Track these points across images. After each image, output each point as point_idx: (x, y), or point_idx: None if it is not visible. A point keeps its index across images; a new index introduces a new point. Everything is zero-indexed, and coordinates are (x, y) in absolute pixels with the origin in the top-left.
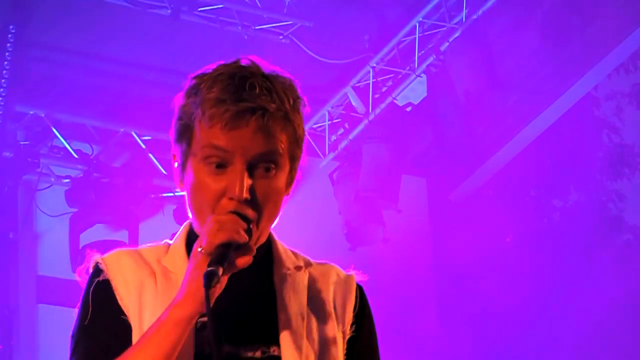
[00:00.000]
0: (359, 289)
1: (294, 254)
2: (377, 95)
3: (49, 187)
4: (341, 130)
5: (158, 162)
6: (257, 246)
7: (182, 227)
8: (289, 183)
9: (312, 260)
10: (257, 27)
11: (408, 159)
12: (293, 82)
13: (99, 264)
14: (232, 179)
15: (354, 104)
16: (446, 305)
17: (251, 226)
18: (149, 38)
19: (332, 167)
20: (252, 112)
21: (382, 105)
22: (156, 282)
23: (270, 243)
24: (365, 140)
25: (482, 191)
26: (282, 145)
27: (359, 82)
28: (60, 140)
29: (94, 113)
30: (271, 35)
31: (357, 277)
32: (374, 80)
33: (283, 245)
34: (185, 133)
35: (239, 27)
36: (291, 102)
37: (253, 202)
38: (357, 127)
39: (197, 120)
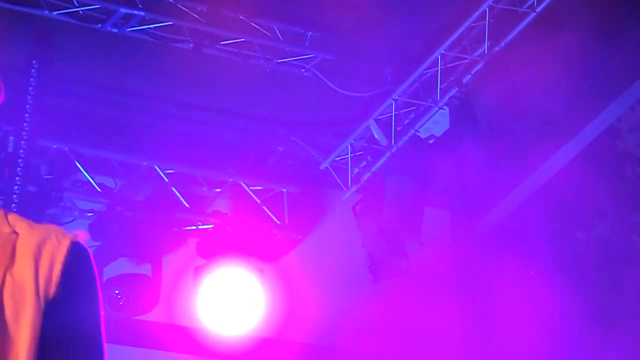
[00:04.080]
0: (76, 246)
1: (14, 216)
2: (399, 128)
3: (72, 220)
4: (364, 163)
5: (181, 195)
6: None
7: None
8: None
9: (34, 225)
10: (279, 60)
11: (431, 192)
12: None
13: None
14: None
15: (376, 136)
16: (470, 337)
17: None
18: (172, 72)
19: (355, 199)
20: None
21: (405, 138)
22: None
23: None
24: (388, 172)
25: (506, 223)
26: None
27: (381, 114)
28: (83, 174)
29: (117, 147)
30: (293, 68)
31: (77, 237)
32: (396, 112)
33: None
34: None
35: (261, 61)
36: None
37: None
38: (380, 159)
39: None
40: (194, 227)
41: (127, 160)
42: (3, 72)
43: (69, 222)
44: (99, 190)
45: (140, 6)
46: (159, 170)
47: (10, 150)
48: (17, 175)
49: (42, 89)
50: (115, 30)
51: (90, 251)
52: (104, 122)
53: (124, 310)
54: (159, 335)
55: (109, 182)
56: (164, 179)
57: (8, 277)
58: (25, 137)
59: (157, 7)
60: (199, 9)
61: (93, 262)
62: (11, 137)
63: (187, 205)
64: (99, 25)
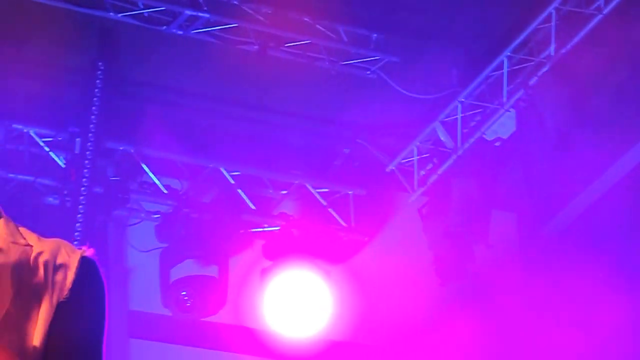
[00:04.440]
0: (85, 259)
1: (24, 229)
2: (465, 130)
3: (139, 222)
4: (430, 165)
5: (247, 197)
6: None
7: None
8: None
9: (42, 239)
10: (344, 63)
11: (497, 194)
12: None
13: None
14: None
15: (442, 138)
16: (539, 340)
17: None
18: (237, 74)
19: (421, 202)
20: None
21: (471, 140)
22: None
23: None
24: (454, 175)
25: (573, 226)
26: None
27: (447, 117)
28: (149, 176)
29: (183, 149)
30: (358, 70)
31: (85, 251)
32: (463, 115)
33: (12, 222)
34: None
35: (326, 63)
36: None
37: None
38: (446, 162)
39: None
40: (260, 229)
41: (193, 162)
42: (69, 74)
43: (136, 223)
44: (165, 192)
45: (205, 8)
46: (225, 172)
47: (76, 152)
48: (84, 177)
49: (107, 91)
50: (180, 32)
51: (98, 266)
52: (170, 123)
53: (191, 311)
54: (225, 336)
55: (175, 183)
56: (230, 181)
57: (24, 285)
58: (92, 139)
59: (222, 9)
60: (263, 10)
61: (102, 276)
62: (78, 139)
63: (253, 207)
64: (164, 27)
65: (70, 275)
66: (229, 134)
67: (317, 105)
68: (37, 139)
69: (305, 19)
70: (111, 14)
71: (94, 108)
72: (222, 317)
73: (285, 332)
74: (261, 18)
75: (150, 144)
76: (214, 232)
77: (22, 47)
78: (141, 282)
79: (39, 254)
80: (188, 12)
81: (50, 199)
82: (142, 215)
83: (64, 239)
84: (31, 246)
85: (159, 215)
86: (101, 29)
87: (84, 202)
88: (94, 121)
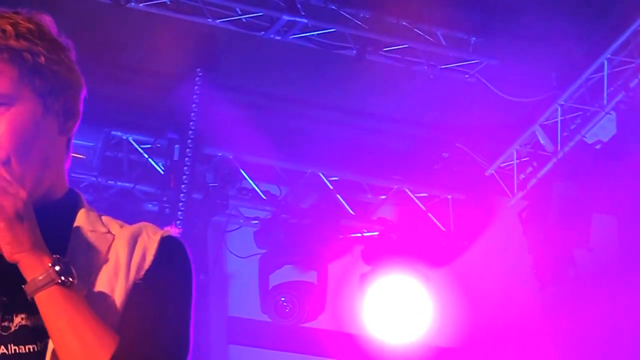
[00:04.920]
0: (165, 240)
1: (106, 218)
2: (565, 133)
3: (238, 228)
4: (530, 169)
5: (346, 202)
6: (29, 191)
7: None
8: (53, 117)
9: (125, 225)
10: (442, 67)
11: (598, 197)
12: (26, 13)
13: None
14: None
15: (542, 142)
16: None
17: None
18: (335, 79)
19: (521, 206)
20: None
21: (571, 143)
22: None
23: (74, 203)
24: (554, 178)
25: None
26: (6, 78)
27: (546, 120)
28: (248, 181)
29: (281, 154)
30: (457, 74)
31: (169, 232)
32: (562, 118)
33: (93, 209)
34: None
35: (425, 67)
36: (9, 29)
37: None
38: (546, 165)
39: None
40: (359, 234)
41: (291, 168)
42: (168, 81)
43: (235, 229)
44: (264, 197)
45: (303, 13)
46: (323, 178)
47: (175, 158)
48: (183, 184)
49: (206, 97)
50: (278, 37)
51: (183, 243)
52: (268, 129)
53: (290, 317)
54: (324, 342)
55: (274, 189)
56: (328, 186)
57: (104, 269)
58: (191, 145)
59: (320, 14)
60: (362, 15)
61: (186, 253)
62: (177, 146)
63: (352, 212)
64: (262, 32)
65: (149, 257)
66: (327, 139)
67: (416, 110)
68: (136, 145)
69: (404, 23)
70: (209, 20)
71: (192, 114)
72: (321, 322)
73: (384, 338)
74: (359, 23)
75: (249, 150)
76: (312, 237)
77: (121, 54)
78: (240, 288)
79: (119, 239)
80: (286, 18)
81: (150, 205)
82: (241, 221)
83: None
84: (112, 234)
85: (257, 221)
86: (200, 35)
87: (183, 209)
88: (193, 127)
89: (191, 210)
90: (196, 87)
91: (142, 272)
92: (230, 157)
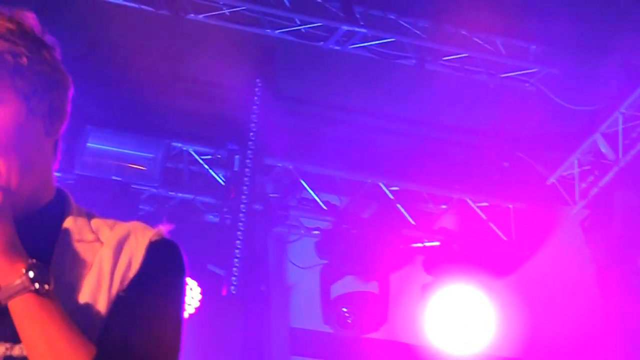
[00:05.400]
0: (154, 245)
1: (97, 219)
2: (627, 142)
3: (299, 239)
4: (591, 178)
5: (406, 212)
6: (14, 194)
7: None
8: (39, 118)
9: (116, 225)
10: (502, 75)
11: None
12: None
13: None
14: None
15: (603, 150)
16: None
17: None
18: (394, 88)
19: (583, 214)
20: None
21: (633, 152)
22: None
23: (62, 208)
24: (616, 187)
25: None
26: None
27: (607, 128)
28: (309, 192)
29: (341, 164)
30: (517, 83)
31: (159, 234)
32: (624, 126)
33: (83, 210)
34: None
35: (484, 76)
36: None
37: None
38: (607, 174)
39: None
40: (420, 244)
41: (352, 178)
42: (227, 92)
43: (295, 240)
44: (325, 208)
45: (362, 23)
46: (384, 188)
47: (236, 169)
48: (243, 194)
49: (266, 108)
50: (337, 47)
51: (175, 244)
52: (328, 139)
53: (352, 328)
54: (386, 353)
55: (335, 199)
56: (389, 196)
57: (87, 279)
58: (251, 156)
59: (378, 23)
60: (420, 25)
61: (176, 256)
62: (237, 156)
63: (412, 222)
64: (321, 43)
65: (135, 265)
66: (387, 149)
67: (475, 119)
68: (196, 156)
69: (463, 32)
70: (268, 31)
71: (252, 125)
72: (383, 333)
73: (446, 349)
74: (418, 32)
75: (309, 160)
76: (373, 247)
77: (181, 66)
78: (302, 298)
79: (105, 248)
80: (345, 28)
81: (210, 216)
82: (302, 231)
83: (225, 256)
84: (99, 242)
85: (318, 232)
86: (259, 46)
87: (243, 219)
88: (253, 138)
89: (252, 221)
90: (256, 98)
91: (126, 282)
92: (291, 167)
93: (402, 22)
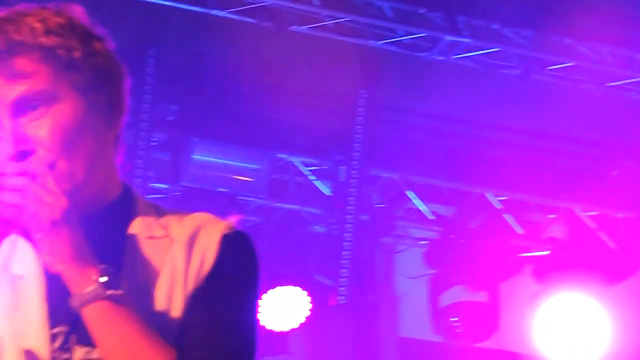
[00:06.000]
0: (226, 239)
1: (165, 214)
2: None
3: (406, 249)
4: None
5: (515, 221)
6: (79, 192)
7: None
8: (98, 112)
9: (185, 219)
10: (609, 84)
11: None
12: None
13: None
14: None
15: None
16: None
17: (44, 177)
18: (498, 98)
19: None
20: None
21: None
22: (1, 298)
23: (130, 205)
24: None
25: None
26: (41, 78)
27: None
28: (415, 202)
29: (448, 175)
30: (623, 91)
31: (230, 227)
32: None
33: (150, 204)
34: None
35: (591, 85)
36: (38, 26)
37: (33, 149)
38: None
39: None
40: (529, 254)
41: (458, 188)
42: (332, 103)
43: (403, 250)
44: (432, 218)
45: (465, 33)
46: (491, 198)
47: (341, 180)
48: (349, 205)
49: (371, 119)
50: (441, 58)
51: (247, 236)
52: (434, 149)
53: (462, 337)
54: None
55: (441, 209)
56: (496, 206)
57: (161, 278)
58: (356, 167)
59: (482, 33)
60: (525, 34)
61: (250, 247)
62: (342, 167)
63: (521, 231)
64: (425, 53)
65: (208, 261)
66: (494, 158)
67: (583, 128)
68: (302, 168)
69: (568, 41)
70: (372, 42)
71: (357, 136)
72: (492, 342)
73: (557, 358)
74: (522, 41)
75: (415, 170)
76: (482, 257)
77: (285, 78)
78: (410, 308)
79: (177, 244)
80: (448, 38)
81: (317, 227)
82: (409, 242)
83: (333, 267)
84: (170, 238)
85: (426, 242)
86: (363, 57)
87: (350, 230)
88: (358, 149)
89: (358, 232)
90: (360, 109)
91: (201, 279)
92: (396, 177)
93: (506, 32)
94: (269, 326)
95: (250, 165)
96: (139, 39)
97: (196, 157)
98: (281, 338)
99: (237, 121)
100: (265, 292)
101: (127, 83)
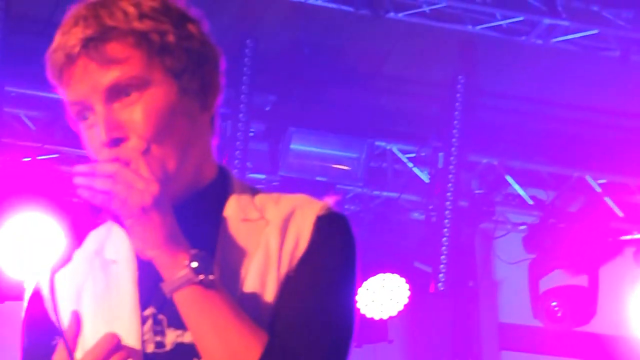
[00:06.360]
0: (321, 220)
1: (262, 196)
2: None
3: (505, 234)
4: None
5: (615, 204)
6: (173, 177)
7: None
8: (192, 96)
9: (281, 200)
10: None
11: None
12: None
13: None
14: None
15: None
16: None
17: (137, 163)
18: (597, 80)
19: None
20: (79, 48)
21: None
22: (94, 282)
23: (224, 187)
24: None
25: None
26: (135, 63)
27: None
28: (514, 187)
29: (546, 159)
30: None
31: (326, 207)
32: None
33: (246, 186)
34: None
35: None
36: (131, 11)
37: (127, 135)
38: None
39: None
40: (629, 237)
41: (558, 172)
42: (430, 89)
43: (502, 235)
44: (531, 202)
45: (564, 16)
46: (591, 181)
47: (440, 166)
48: (448, 192)
49: (469, 104)
50: (539, 41)
51: (344, 218)
52: (532, 134)
53: (562, 322)
54: (597, 346)
55: (541, 194)
56: (596, 189)
57: (255, 261)
58: (455, 153)
59: (581, 16)
60: (624, 15)
61: (346, 229)
62: (441, 154)
63: (621, 214)
64: (523, 37)
65: (303, 243)
66: (592, 142)
67: None
68: (400, 155)
69: None
70: (470, 27)
71: (455, 122)
72: (593, 326)
73: None
74: (622, 23)
75: (514, 155)
76: (582, 241)
77: (383, 65)
78: (510, 294)
79: (272, 226)
80: (547, 21)
81: (416, 214)
82: (508, 227)
83: (432, 253)
84: (265, 220)
85: (525, 227)
86: (460, 42)
87: (449, 217)
88: (457, 135)
89: (458, 218)
90: (458, 95)
91: (295, 261)
92: (495, 163)
93: (605, 14)
94: (368, 314)
95: (348, 154)
96: (236, 29)
97: (294, 146)
98: (380, 326)
99: (334, 109)
100: (365, 280)
101: (222, 64)
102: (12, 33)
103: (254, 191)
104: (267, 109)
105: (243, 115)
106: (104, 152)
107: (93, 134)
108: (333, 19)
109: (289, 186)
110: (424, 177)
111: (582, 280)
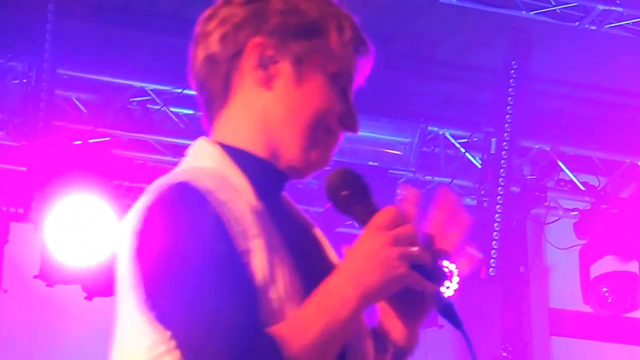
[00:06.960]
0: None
1: None
2: None
3: (557, 220)
4: None
5: None
6: None
7: (203, 146)
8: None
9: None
10: None
11: None
12: None
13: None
14: (351, 109)
15: None
16: None
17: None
18: None
19: None
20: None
21: None
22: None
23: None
24: None
25: None
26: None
27: None
28: (566, 173)
29: (598, 145)
30: None
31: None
32: None
33: None
34: (314, 34)
35: None
36: None
37: None
38: None
39: (335, 32)
40: None
41: (609, 158)
42: (483, 75)
43: (554, 221)
44: (583, 188)
45: (618, 2)
46: None
47: (492, 152)
48: (500, 177)
49: (522, 90)
50: (593, 27)
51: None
52: (585, 120)
53: (612, 308)
54: None
55: (593, 180)
56: None
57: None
58: (507, 139)
59: (635, 1)
60: None
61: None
62: (493, 139)
63: None
64: (577, 23)
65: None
66: None
67: None
68: (452, 140)
69: None
70: (523, 12)
71: (508, 107)
72: None
73: None
74: None
75: (566, 141)
76: (633, 227)
77: (436, 49)
78: (561, 279)
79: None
80: (601, 7)
81: (468, 199)
82: (560, 212)
83: (483, 239)
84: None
85: (576, 212)
86: (514, 27)
87: (501, 202)
88: (509, 120)
89: (509, 204)
90: (511, 80)
91: None
92: (548, 149)
93: None
94: None
95: (400, 139)
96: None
97: None
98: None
99: (387, 94)
100: None
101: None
102: (63, 17)
103: None
104: None
105: None
106: (335, 124)
107: (338, 101)
108: (387, 3)
109: None
110: (476, 162)
111: (632, 267)
